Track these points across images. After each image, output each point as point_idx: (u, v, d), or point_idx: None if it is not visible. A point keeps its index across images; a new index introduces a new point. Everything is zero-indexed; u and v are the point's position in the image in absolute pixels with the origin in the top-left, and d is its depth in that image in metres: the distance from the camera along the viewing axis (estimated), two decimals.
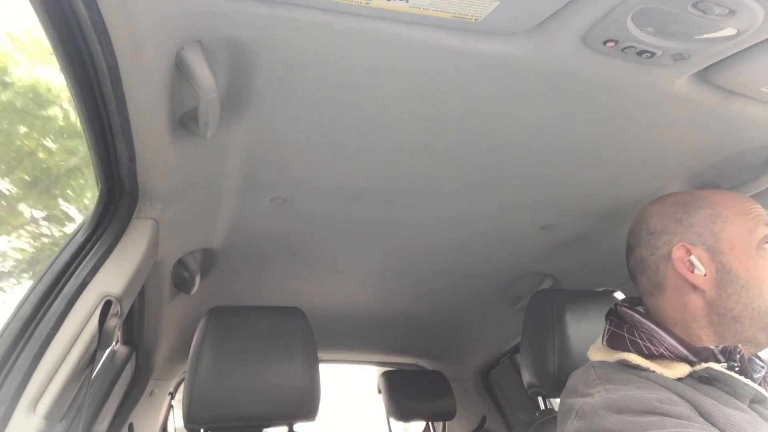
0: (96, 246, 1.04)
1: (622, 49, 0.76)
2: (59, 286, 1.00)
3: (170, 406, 2.26)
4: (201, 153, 1.03)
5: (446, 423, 2.48)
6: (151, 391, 2.09)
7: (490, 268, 1.69)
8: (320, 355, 1.36)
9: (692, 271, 0.94)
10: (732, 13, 0.67)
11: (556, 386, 1.33)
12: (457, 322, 2.15)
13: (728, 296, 0.91)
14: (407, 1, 0.68)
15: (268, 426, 1.36)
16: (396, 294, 1.89)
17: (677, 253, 0.95)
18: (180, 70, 0.79)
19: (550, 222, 1.40)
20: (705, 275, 0.93)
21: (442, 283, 1.79)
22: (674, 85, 0.85)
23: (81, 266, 1.02)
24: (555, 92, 0.88)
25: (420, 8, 0.69)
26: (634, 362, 0.91)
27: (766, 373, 0.96)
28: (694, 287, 0.93)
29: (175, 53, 0.76)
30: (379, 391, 2.38)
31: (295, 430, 1.46)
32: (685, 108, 0.92)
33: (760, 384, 0.92)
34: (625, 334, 0.95)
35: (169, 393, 2.26)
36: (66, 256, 1.03)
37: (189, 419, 1.26)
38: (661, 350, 0.90)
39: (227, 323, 1.33)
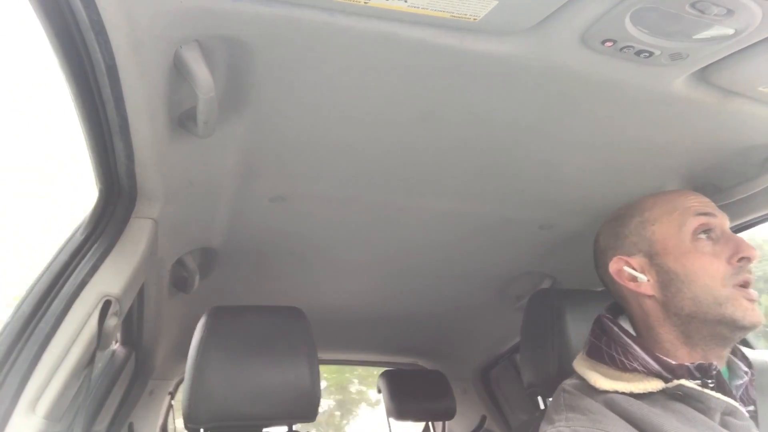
0: (95, 246, 1.04)
1: (621, 49, 0.76)
2: (58, 286, 1.00)
3: (170, 406, 2.26)
4: (199, 152, 1.03)
5: (446, 422, 2.48)
6: (151, 390, 2.10)
7: (489, 268, 1.69)
8: (320, 355, 1.36)
9: (636, 280, 0.96)
10: (730, 12, 0.67)
11: (555, 386, 1.32)
12: (457, 322, 2.14)
13: (673, 295, 0.93)
14: (406, 1, 0.68)
15: (267, 426, 1.36)
16: (395, 293, 1.89)
17: (614, 267, 0.99)
18: (178, 69, 0.79)
19: (548, 221, 1.40)
20: (648, 281, 0.95)
21: (442, 282, 1.79)
22: (672, 85, 0.85)
23: (80, 266, 1.02)
24: (553, 92, 0.88)
25: (418, 8, 0.69)
26: (600, 387, 0.92)
27: (750, 378, 0.96)
28: (646, 294, 0.95)
29: (174, 52, 0.76)
30: (379, 391, 2.38)
31: (294, 430, 1.46)
32: (684, 107, 0.92)
33: (744, 390, 0.93)
34: (603, 347, 0.96)
35: (169, 393, 2.26)
36: (64, 256, 1.03)
37: (188, 419, 1.25)
38: (635, 365, 0.91)
39: (227, 323, 1.33)
